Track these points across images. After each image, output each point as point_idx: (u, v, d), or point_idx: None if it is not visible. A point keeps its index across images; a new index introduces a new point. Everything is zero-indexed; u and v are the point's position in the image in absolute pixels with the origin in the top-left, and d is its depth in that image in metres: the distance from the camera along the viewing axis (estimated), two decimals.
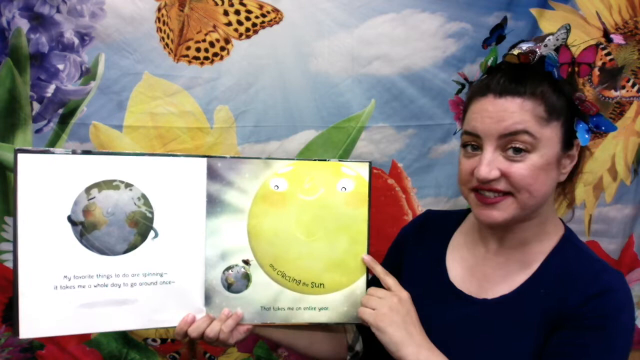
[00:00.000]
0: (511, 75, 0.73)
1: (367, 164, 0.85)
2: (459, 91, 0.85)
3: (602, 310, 0.70)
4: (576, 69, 0.71)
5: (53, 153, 0.76)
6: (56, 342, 1.26)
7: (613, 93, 1.37)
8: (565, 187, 0.80)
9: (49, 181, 0.75)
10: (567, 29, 0.73)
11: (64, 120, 1.14)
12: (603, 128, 0.71)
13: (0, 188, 1.17)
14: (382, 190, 1.30)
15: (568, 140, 0.73)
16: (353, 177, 0.84)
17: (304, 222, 0.83)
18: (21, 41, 1.09)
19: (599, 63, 1.33)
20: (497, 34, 0.81)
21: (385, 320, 0.76)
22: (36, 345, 1.26)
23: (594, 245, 1.43)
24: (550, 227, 0.79)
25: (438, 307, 0.82)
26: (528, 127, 0.70)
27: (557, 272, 0.75)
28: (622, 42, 0.78)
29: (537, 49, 0.72)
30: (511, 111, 0.71)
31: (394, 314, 0.76)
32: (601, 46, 1.35)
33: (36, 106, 1.13)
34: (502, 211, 0.73)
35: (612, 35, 0.75)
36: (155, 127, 1.17)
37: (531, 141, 0.70)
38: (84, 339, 1.27)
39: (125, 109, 1.16)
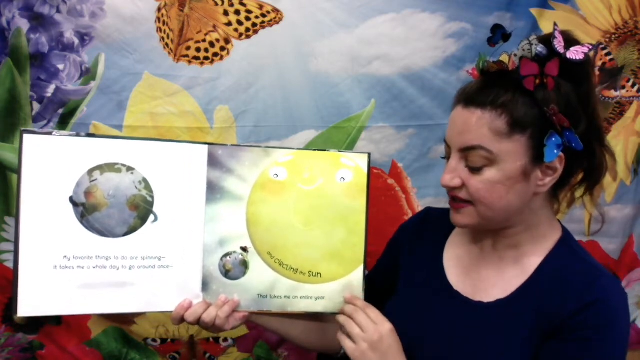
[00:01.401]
0: (483, 83, 0.73)
1: (367, 155, 0.85)
2: None
3: (597, 320, 0.69)
4: (545, 80, 0.69)
5: (57, 135, 0.77)
6: (56, 342, 1.26)
7: (613, 93, 1.37)
8: (589, 189, 0.79)
9: (53, 162, 0.76)
10: (530, 41, 0.71)
11: (64, 120, 1.14)
12: (573, 144, 0.69)
13: (1, 188, 1.17)
14: (382, 190, 1.30)
15: (542, 152, 0.70)
16: (352, 167, 0.85)
17: (302, 211, 0.84)
18: (21, 41, 1.09)
19: (599, 63, 1.33)
20: (500, 32, 0.81)
21: (362, 358, 0.77)
22: (36, 345, 1.26)
23: (594, 245, 1.43)
24: (544, 230, 0.78)
25: (433, 306, 0.82)
26: (483, 142, 0.70)
27: (552, 277, 0.75)
28: (580, 57, 0.71)
29: (511, 57, 0.72)
30: (470, 124, 0.71)
31: (372, 352, 0.76)
32: (601, 46, 1.35)
33: (36, 106, 1.13)
34: (465, 216, 0.76)
35: (568, 52, 0.71)
36: (155, 127, 1.17)
37: (487, 156, 0.70)
38: (84, 339, 1.28)
39: (125, 109, 1.16)
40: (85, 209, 0.77)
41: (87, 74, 1.13)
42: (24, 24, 1.08)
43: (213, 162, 0.82)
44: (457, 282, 0.82)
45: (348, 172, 0.84)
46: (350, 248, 0.84)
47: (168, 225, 0.81)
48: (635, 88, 1.37)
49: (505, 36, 0.80)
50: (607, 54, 1.32)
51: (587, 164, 0.76)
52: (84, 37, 1.11)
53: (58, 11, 1.09)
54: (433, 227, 0.91)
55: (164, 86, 1.16)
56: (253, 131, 1.22)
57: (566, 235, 0.80)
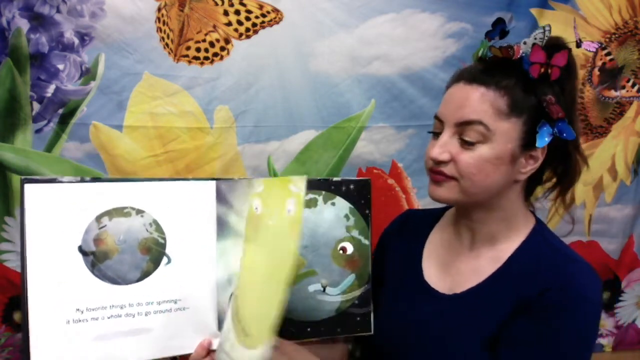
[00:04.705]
0: (486, 66, 0.75)
1: (304, 177, 0.66)
2: None
3: (558, 304, 0.70)
4: (549, 70, 0.71)
5: (61, 182, 0.73)
6: None
7: (613, 93, 1.37)
8: (562, 192, 0.80)
9: (58, 211, 0.72)
10: (546, 29, 0.74)
11: (64, 120, 1.14)
12: (564, 135, 0.71)
13: (1, 188, 1.17)
14: (382, 190, 1.30)
15: (531, 140, 0.73)
16: (296, 194, 0.66)
17: (266, 252, 0.70)
18: (21, 41, 1.09)
19: (599, 63, 1.33)
20: (500, 28, 0.82)
21: None
22: None
23: (594, 245, 1.43)
24: (519, 222, 0.79)
25: (411, 305, 0.83)
26: (483, 117, 0.72)
27: (523, 264, 0.76)
28: (592, 49, 0.80)
29: (518, 47, 0.74)
30: (472, 99, 0.73)
31: None
32: (602, 46, 1.35)
33: (36, 106, 1.13)
34: (446, 190, 0.76)
35: (583, 43, 0.78)
36: (155, 127, 1.17)
37: (484, 132, 0.72)
38: None
39: (125, 109, 1.16)
40: (96, 258, 0.73)
41: (87, 74, 1.13)
42: (24, 24, 1.08)
43: (220, 197, 0.79)
44: (436, 280, 0.83)
45: (293, 201, 0.66)
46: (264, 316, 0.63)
47: (182, 265, 0.77)
48: (635, 88, 1.37)
49: (503, 33, 0.81)
50: (607, 54, 1.32)
51: (561, 167, 0.78)
52: (84, 37, 1.11)
53: (58, 11, 1.09)
54: (413, 228, 0.93)
55: (164, 86, 1.16)
56: (253, 131, 1.22)
57: (540, 226, 0.81)
